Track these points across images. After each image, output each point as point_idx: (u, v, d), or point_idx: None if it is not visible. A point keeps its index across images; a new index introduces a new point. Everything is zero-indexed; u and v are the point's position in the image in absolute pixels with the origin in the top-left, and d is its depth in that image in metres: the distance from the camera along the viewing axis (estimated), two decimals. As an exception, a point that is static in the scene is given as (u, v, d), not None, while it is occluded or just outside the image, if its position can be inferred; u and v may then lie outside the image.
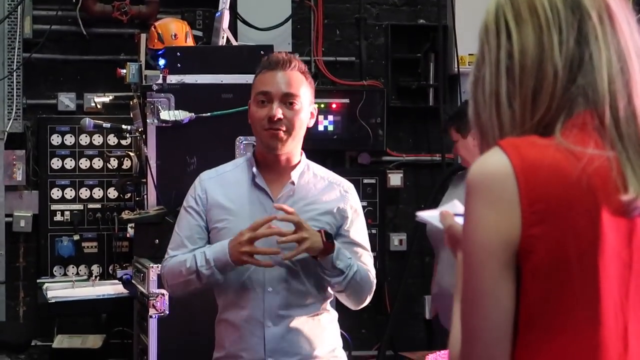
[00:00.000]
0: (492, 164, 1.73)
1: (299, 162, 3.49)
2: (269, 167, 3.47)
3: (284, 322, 3.39)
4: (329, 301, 3.50)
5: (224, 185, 3.51)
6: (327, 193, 3.49)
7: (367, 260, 3.51)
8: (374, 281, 3.51)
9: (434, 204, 5.23)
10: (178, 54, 5.20)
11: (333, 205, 3.47)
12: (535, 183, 1.70)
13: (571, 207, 1.70)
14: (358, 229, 3.52)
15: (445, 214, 1.95)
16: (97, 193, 6.70)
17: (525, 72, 1.77)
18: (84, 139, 6.70)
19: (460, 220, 1.85)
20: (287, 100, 3.38)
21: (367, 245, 3.55)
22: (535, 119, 1.77)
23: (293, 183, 3.45)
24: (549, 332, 1.72)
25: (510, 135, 1.78)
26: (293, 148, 3.44)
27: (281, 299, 3.39)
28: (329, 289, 3.46)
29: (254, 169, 3.46)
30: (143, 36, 5.99)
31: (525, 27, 1.79)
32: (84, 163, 6.70)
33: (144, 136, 5.14)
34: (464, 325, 1.76)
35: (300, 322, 3.41)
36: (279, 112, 3.35)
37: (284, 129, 3.37)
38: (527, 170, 1.70)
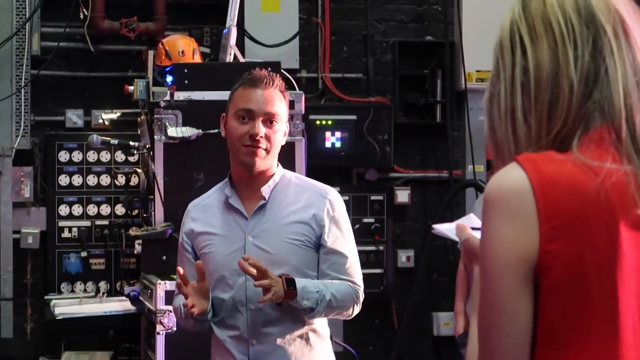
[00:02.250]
0: (510, 179, 1.72)
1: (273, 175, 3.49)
2: (244, 186, 3.47)
3: (269, 339, 3.38)
4: (317, 319, 3.47)
5: (205, 211, 3.54)
6: (303, 202, 3.45)
7: (351, 270, 3.45)
8: (359, 291, 3.45)
9: (441, 220, 5.23)
10: (185, 70, 5.22)
11: (309, 213, 3.43)
12: (553, 198, 1.69)
13: (589, 222, 1.69)
14: (339, 236, 3.45)
15: (461, 227, 1.94)
16: (105, 209, 6.71)
17: (540, 88, 1.77)
18: (92, 156, 6.71)
19: (477, 234, 1.84)
20: (268, 119, 3.39)
21: (351, 252, 3.47)
22: (552, 134, 1.76)
23: (264, 198, 3.44)
24: (567, 348, 1.71)
25: (526, 151, 1.77)
26: (268, 165, 3.44)
27: (264, 316, 3.38)
28: None
29: (227, 190, 3.48)
30: (150, 53, 6.01)
31: (540, 42, 1.78)
32: (92, 180, 6.71)
33: (151, 153, 5.15)
34: (482, 341, 1.75)
35: (286, 341, 3.39)
36: (261, 130, 3.36)
37: (264, 147, 3.37)
38: (544, 185, 1.69)
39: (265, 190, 3.44)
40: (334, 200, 3.47)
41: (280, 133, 3.44)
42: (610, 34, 1.78)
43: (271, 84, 3.42)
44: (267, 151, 3.39)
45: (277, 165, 3.52)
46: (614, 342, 1.71)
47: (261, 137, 3.36)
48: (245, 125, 3.39)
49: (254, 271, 3.22)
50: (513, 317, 1.70)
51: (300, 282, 3.30)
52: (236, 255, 3.38)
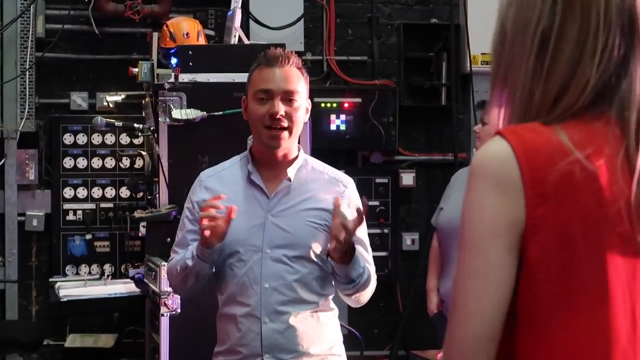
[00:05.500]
0: (494, 150, 1.74)
1: (296, 157, 3.49)
2: (266, 163, 3.47)
3: (281, 318, 3.37)
4: (329, 298, 3.49)
5: (222, 183, 3.52)
6: (324, 188, 3.47)
7: (366, 257, 3.51)
8: (375, 279, 3.51)
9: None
10: (190, 52, 5.21)
11: (330, 200, 3.44)
12: (537, 165, 1.70)
13: (574, 187, 1.70)
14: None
15: None
16: (109, 192, 6.72)
17: (558, 63, 1.75)
18: (96, 138, 6.71)
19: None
20: (288, 97, 3.39)
21: (366, 241, 3.53)
22: (557, 111, 1.76)
23: (289, 179, 3.44)
24: (558, 313, 1.72)
25: (525, 109, 1.77)
26: (291, 144, 3.45)
27: (278, 295, 3.37)
28: (332, 287, 3.46)
29: (249, 166, 3.47)
30: (155, 35, 6.00)
31: (572, 21, 1.76)
32: (96, 162, 6.71)
33: (156, 135, 5.14)
34: (459, 307, 1.75)
35: (298, 319, 3.39)
36: (281, 109, 3.36)
37: (285, 125, 3.37)
38: (527, 153, 1.71)
39: (291, 171, 3.44)
40: (353, 190, 3.53)
41: (301, 110, 3.43)
42: None
43: (287, 61, 3.42)
44: (290, 130, 3.39)
45: (299, 149, 3.52)
46: (604, 306, 1.72)
47: (281, 115, 3.36)
48: (265, 106, 3.39)
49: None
50: (498, 282, 1.71)
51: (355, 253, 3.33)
52: (254, 231, 3.38)
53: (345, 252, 3.24)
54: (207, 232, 3.24)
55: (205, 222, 3.24)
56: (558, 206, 1.69)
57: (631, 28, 1.75)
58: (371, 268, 3.50)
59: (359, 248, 3.42)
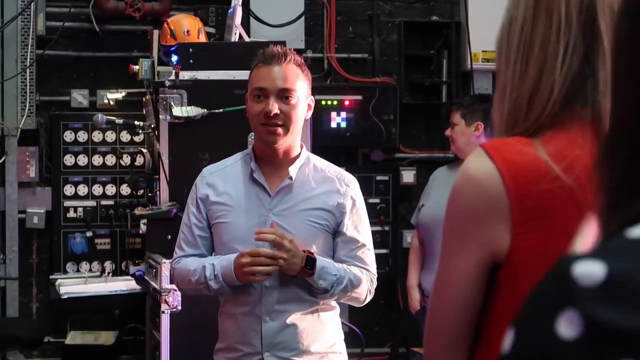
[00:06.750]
0: (476, 166, 1.70)
1: (299, 155, 3.48)
2: (268, 161, 3.47)
3: (282, 317, 3.38)
4: None
5: (225, 180, 3.51)
6: (326, 188, 3.46)
7: (366, 257, 3.49)
8: (373, 279, 3.50)
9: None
10: (190, 50, 5.20)
11: (332, 200, 3.44)
12: (523, 181, 1.67)
13: (558, 203, 1.67)
14: (358, 225, 3.48)
15: None
16: (110, 189, 6.72)
17: (528, 67, 1.73)
18: (97, 136, 6.72)
19: None
20: (283, 95, 3.37)
21: (367, 240, 3.51)
22: (528, 122, 1.73)
23: (291, 178, 3.43)
24: None
25: (507, 118, 1.76)
26: (291, 141, 3.43)
27: (278, 293, 3.38)
28: None
29: (252, 164, 3.47)
30: (156, 33, 6.00)
31: (537, 25, 1.73)
32: (97, 160, 6.72)
33: (156, 132, 5.14)
34: (431, 307, 1.78)
35: (298, 318, 3.39)
36: (275, 108, 3.35)
37: (280, 123, 3.36)
38: (512, 170, 1.67)
39: (293, 170, 3.43)
40: (356, 190, 3.50)
41: (299, 108, 3.40)
42: (607, 42, 1.71)
43: (284, 59, 3.40)
44: (286, 127, 3.37)
45: (302, 146, 3.52)
46: None
47: (276, 113, 3.35)
48: (260, 104, 3.38)
49: (271, 238, 3.25)
50: (464, 291, 1.72)
51: (320, 262, 3.31)
52: (255, 230, 3.38)
53: (299, 269, 3.28)
54: (250, 271, 3.27)
55: (261, 267, 3.27)
56: (545, 221, 1.67)
57: (592, 27, 1.71)
58: (371, 268, 3.48)
59: (350, 245, 3.44)
